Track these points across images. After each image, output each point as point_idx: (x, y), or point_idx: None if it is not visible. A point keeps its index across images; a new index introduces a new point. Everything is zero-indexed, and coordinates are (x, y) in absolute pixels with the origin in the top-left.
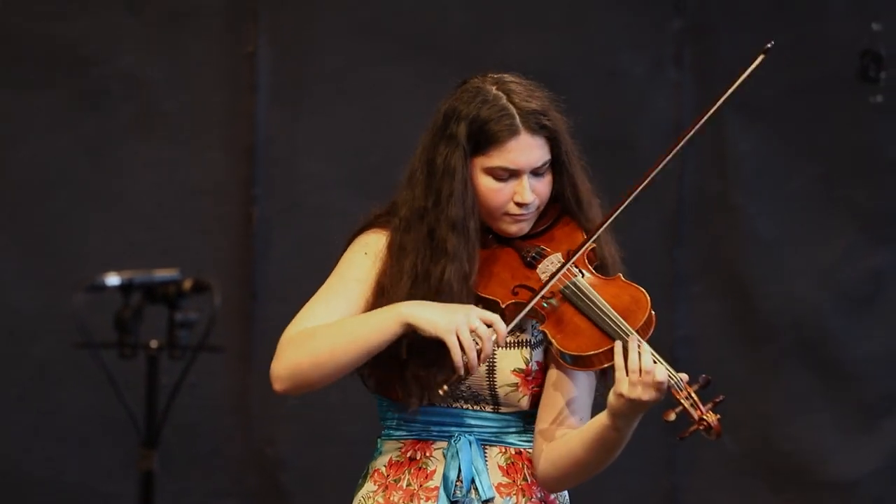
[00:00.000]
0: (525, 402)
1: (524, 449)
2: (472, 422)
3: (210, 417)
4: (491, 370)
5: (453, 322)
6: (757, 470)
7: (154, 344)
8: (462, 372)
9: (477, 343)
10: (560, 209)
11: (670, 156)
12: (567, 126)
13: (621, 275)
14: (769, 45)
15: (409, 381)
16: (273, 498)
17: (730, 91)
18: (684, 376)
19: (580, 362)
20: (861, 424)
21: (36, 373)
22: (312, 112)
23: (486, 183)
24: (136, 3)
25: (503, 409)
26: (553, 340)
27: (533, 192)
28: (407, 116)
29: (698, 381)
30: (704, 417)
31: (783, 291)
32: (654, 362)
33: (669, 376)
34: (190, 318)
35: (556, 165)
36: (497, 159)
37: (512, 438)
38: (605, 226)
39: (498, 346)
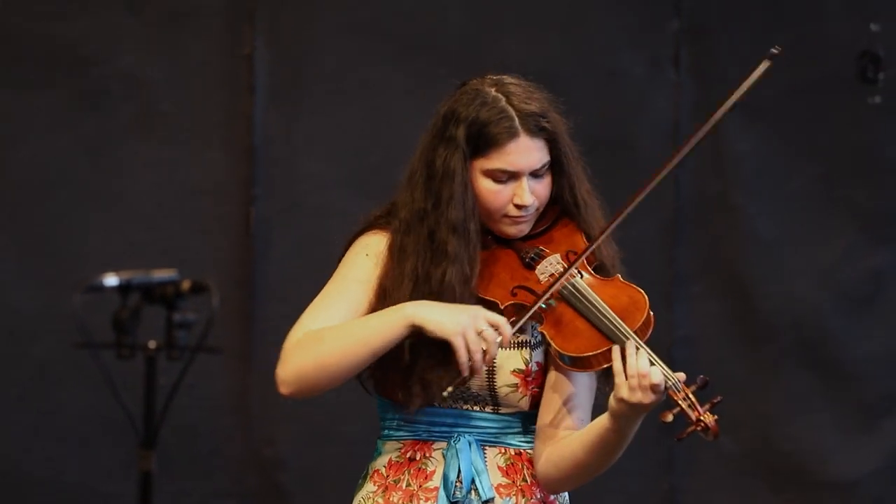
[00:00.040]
0: (525, 403)
1: (524, 450)
2: (473, 422)
3: (209, 418)
4: (491, 371)
5: (460, 324)
6: (757, 470)
7: (152, 344)
8: (467, 373)
9: (482, 345)
10: (559, 210)
11: (672, 165)
12: (566, 127)
13: (620, 275)
14: (774, 51)
15: (412, 383)
16: (273, 498)
17: (733, 99)
18: (682, 376)
19: (579, 363)
20: (861, 424)
21: (36, 373)
22: (312, 112)
23: (485, 185)
24: (136, 3)
25: (503, 410)
26: (552, 341)
27: (532, 193)
28: (406, 116)
29: (696, 382)
30: (702, 418)
31: (783, 291)
32: (651, 364)
33: (667, 378)
34: (188, 319)
35: (556, 167)
36: (496, 161)
37: (512, 439)
38: (606, 233)
39: (502, 348)
